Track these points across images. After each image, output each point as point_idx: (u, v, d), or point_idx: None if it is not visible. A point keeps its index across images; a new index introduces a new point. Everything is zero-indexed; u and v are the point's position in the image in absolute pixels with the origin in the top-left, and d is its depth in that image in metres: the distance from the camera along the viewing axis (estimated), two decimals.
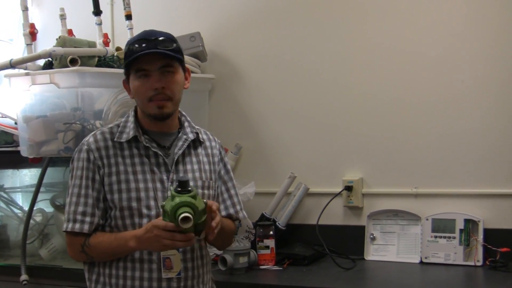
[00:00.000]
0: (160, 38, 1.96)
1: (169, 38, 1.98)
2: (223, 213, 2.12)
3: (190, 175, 2.03)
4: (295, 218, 3.06)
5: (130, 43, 1.97)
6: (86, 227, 1.95)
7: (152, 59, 1.94)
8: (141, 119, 2.04)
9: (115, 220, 1.97)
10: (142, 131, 2.02)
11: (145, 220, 1.94)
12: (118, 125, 2.05)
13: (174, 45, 1.98)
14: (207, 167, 2.09)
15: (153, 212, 1.96)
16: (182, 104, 2.15)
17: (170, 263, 1.94)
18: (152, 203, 1.96)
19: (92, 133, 2.05)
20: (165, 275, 1.95)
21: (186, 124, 2.10)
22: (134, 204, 1.95)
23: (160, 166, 2.00)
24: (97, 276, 2.00)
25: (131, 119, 2.04)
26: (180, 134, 2.07)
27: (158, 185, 1.98)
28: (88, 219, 1.95)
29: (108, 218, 1.99)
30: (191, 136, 2.07)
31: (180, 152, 2.03)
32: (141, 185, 1.96)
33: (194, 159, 2.07)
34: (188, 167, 2.05)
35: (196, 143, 2.10)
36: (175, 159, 2.02)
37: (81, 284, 2.12)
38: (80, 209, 1.95)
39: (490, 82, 2.76)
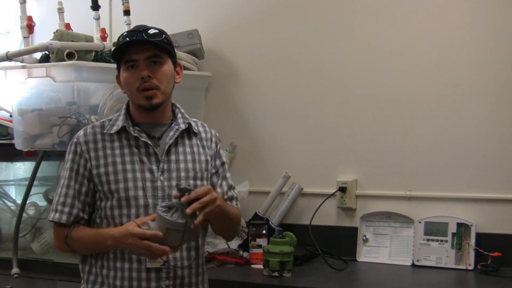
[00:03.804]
0: (149, 31, 2.00)
1: (159, 31, 2.03)
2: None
3: (182, 165, 2.04)
4: (288, 218, 3.06)
5: (120, 36, 2.03)
6: (64, 218, 1.99)
7: (140, 49, 1.98)
8: (132, 112, 2.07)
9: (105, 211, 2.00)
10: (133, 123, 2.05)
11: (133, 210, 1.97)
12: (109, 119, 2.08)
13: (163, 36, 2.02)
14: (202, 157, 2.10)
15: (141, 202, 1.98)
16: (178, 101, 2.15)
17: None
18: (140, 193, 1.98)
19: (85, 127, 2.08)
20: (150, 264, 1.97)
21: (179, 115, 2.11)
22: (122, 194, 1.97)
23: (150, 156, 2.02)
24: (90, 268, 2.03)
25: (122, 111, 2.07)
26: (173, 124, 2.08)
27: (148, 175, 2.00)
28: (66, 209, 2.00)
29: (99, 209, 2.01)
30: (182, 126, 2.08)
31: (171, 141, 2.04)
32: (129, 175, 1.98)
33: (187, 150, 2.08)
34: (181, 157, 2.05)
35: (191, 134, 2.11)
36: (166, 148, 2.03)
37: (72, 278, 2.13)
38: (61, 199, 2.00)
39: (485, 87, 2.76)
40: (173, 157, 2.04)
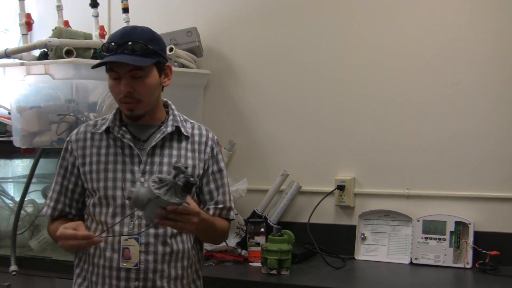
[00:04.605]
0: (130, 43, 1.94)
1: (142, 42, 1.95)
2: (211, 212, 2.10)
3: (165, 168, 2.02)
4: (287, 216, 3.06)
5: (103, 45, 2.00)
6: (49, 212, 2.10)
7: (122, 63, 1.95)
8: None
9: (89, 207, 2.05)
10: (123, 123, 2.06)
11: (110, 209, 2.00)
12: (103, 118, 2.11)
13: (147, 47, 1.95)
14: (189, 162, 2.06)
15: (119, 201, 1.99)
16: (177, 99, 2.15)
17: (129, 253, 1.96)
18: (118, 193, 1.99)
19: (80, 125, 2.15)
20: (122, 264, 1.97)
21: (170, 117, 2.09)
22: (102, 193, 2.01)
23: (133, 157, 2.03)
24: (78, 261, 2.10)
25: (114, 111, 2.10)
26: (162, 127, 2.07)
27: (128, 175, 2.01)
28: (52, 204, 2.10)
29: (87, 206, 2.07)
30: (169, 129, 2.05)
31: (153, 143, 2.03)
32: (110, 175, 2.01)
33: (174, 152, 2.05)
34: (165, 159, 2.03)
35: (181, 137, 2.08)
36: (147, 150, 2.03)
37: (70, 276, 2.13)
38: (49, 194, 2.12)
39: (484, 85, 2.77)
40: (156, 159, 2.03)
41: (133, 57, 1.93)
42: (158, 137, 2.04)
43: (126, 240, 1.96)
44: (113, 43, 1.96)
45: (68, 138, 2.11)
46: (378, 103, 2.94)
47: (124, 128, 2.05)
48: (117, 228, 1.98)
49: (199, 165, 2.09)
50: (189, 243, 2.06)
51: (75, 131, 2.12)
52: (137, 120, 2.04)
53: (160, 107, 2.09)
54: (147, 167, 2.02)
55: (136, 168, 2.01)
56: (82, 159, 2.06)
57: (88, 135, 2.08)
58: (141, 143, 2.05)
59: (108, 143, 2.05)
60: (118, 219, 1.99)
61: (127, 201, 1.94)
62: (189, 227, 1.86)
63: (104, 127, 2.06)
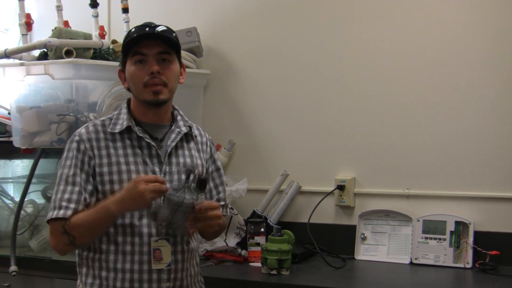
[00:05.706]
0: (160, 28, 2.01)
1: (170, 30, 2.04)
2: None
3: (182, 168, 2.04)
4: (287, 216, 3.06)
5: (130, 30, 2.03)
6: (68, 213, 1.92)
7: (151, 44, 1.97)
8: (134, 110, 2.06)
9: None
10: (135, 122, 2.04)
11: (137, 211, 1.95)
12: (110, 118, 2.06)
13: (174, 35, 2.03)
14: (199, 161, 2.11)
15: None
16: (177, 99, 2.15)
17: (160, 254, 1.95)
18: None
19: (85, 125, 2.05)
20: (155, 266, 1.96)
21: (178, 117, 2.11)
22: None
23: (153, 157, 2.01)
24: (87, 269, 2.01)
25: (124, 110, 2.05)
26: (173, 127, 2.08)
27: None
28: (72, 205, 1.93)
29: None
30: (184, 129, 2.08)
31: (173, 144, 2.04)
32: (133, 176, 1.95)
33: (186, 153, 2.08)
34: (181, 160, 2.06)
35: (189, 137, 2.11)
36: (168, 151, 2.03)
37: (71, 276, 2.13)
38: (66, 196, 1.94)
39: (484, 85, 2.76)
40: (174, 159, 2.04)
41: (165, 35, 1.99)
42: (174, 137, 2.05)
43: (156, 241, 1.95)
44: (143, 25, 1.99)
45: (78, 138, 1.99)
46: (378, 103, 2.94)
47: (140, 128, 2.03)
48: (145, 230, 1.96)
49: (204, 164, 2.14)
50: (196, 240, 2.12)
51: (83, 130, 2.01)
52: (158, 107, 2.01)
53: (171, 106, 2.11)
54: (167, 168, 2.02)
55: (156, 168, 2.00)
56: (99, 160, 1.97)
57: (101, 135, 2.00)
58: (158, 142, 2.04)
59: (124, 143, 2.00)
60: (144, 220, 1.96)
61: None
62: (216, 222, 1.93)
63: (119, 127, 2.00)
